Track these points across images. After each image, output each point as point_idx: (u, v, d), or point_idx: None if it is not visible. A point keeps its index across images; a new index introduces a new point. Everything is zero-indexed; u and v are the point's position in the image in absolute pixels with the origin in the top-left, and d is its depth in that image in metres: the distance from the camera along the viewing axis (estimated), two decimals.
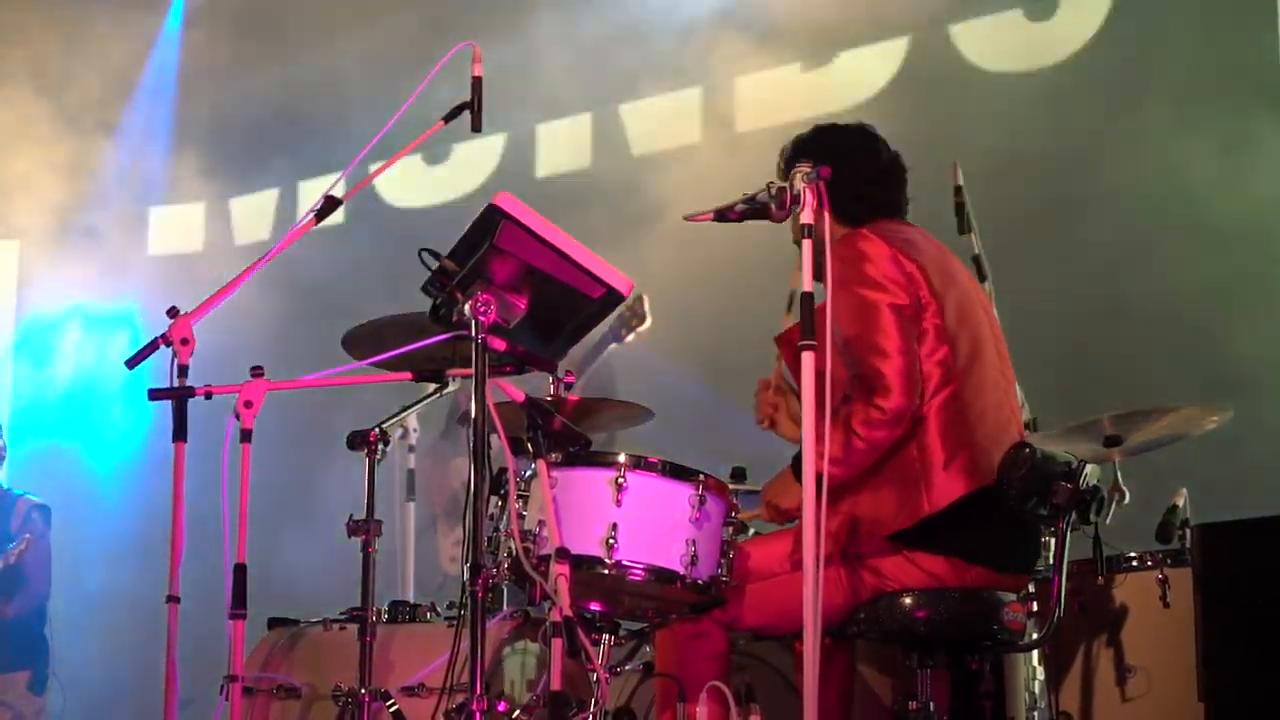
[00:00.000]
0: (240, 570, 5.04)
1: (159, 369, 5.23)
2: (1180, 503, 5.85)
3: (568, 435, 5.07)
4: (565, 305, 5.13)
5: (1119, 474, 6.03)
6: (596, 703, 4.87)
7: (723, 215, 5.04)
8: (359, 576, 5.60)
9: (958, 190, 6.45)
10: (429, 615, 6.07)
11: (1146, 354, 8.60)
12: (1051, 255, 9.04)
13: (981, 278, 6.26)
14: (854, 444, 5.05)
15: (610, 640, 5.14)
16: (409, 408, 6.02)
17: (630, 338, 8.09)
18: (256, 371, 5.20)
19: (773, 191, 4.86)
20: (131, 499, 11.27)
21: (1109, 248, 8.82)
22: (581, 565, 4.87)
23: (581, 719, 4.87)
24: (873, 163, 5.52)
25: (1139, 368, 8.54)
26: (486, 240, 4.93)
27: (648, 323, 8.10)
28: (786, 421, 5.54)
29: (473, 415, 4.85)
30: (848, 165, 5.28)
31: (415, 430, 8.42)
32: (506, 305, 5.00)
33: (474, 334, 4.88)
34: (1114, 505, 5.99)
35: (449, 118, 5.47)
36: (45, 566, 10.11)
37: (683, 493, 5.02)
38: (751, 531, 6.05)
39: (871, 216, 5.42)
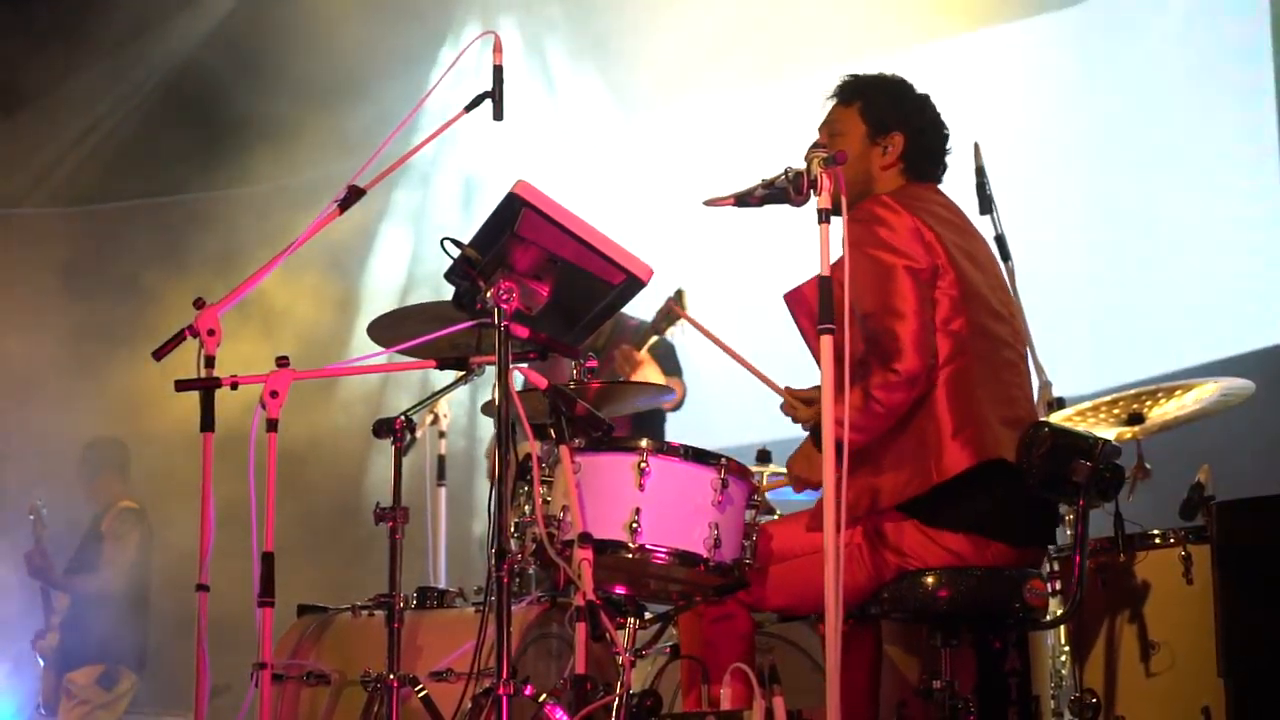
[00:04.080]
0: (268, 559, 5.09)
1: None
2: (1204, 479, 5.85)
3: (591, 421, 5.11)
4: (587, 292, 5.17)
5: (1141, 451, 6.05)
6: (622, 685, 4.91)
7: (743, 201, 5.10)
8: None
9: (979, 171, 6.46)
10: (456, 600, 6.11)
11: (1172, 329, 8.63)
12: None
13: (1004, 257, 6.27)
14: (873, 409, 5.06)
15: (635, 623, 5.17)
16: (435, 395, 6.06)
17: (671, 330, 8.14)
18: (282, 361, 5.25)
19: (790, 176, 4.90)
20: None
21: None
22: (605, 549, 4.92)
23: (607, 702, 4.90)
24: (945, 132, 5.63)
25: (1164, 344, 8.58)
26: (507, 228, 4.97)
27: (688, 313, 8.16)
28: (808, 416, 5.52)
29: (497, 403, 4.89)
30: (936, 127, 5.58)
31: (446, 416, 8.45)
32: (529, 293, 5.03)
33: (497, 321, 4.92)
34: (1138, 482, 6.01)
35: (470, 106, 5.50)
36: (119, 563, 10.26)
37: (705, 476, 5.05)
38: (776, 513, 6.08)
39: (926, 178, 5.53)
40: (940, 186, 5.60)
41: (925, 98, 5.62)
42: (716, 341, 6.06)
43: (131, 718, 10.39)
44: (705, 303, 8.34)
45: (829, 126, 5.55)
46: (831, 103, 5.60)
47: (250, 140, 12.01)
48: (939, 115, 5.61)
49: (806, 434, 5.39)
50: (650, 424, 8.39)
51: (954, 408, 5.16)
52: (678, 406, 8.59)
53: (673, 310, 8.07)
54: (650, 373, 8.24)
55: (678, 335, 8.31)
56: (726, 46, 10.64)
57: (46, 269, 11.99)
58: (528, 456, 5.11)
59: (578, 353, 5.37)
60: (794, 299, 5.30)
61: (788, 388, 5.48)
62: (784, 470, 6.64)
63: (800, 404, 5.42)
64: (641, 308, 8.14)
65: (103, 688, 10.14)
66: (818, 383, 5.06)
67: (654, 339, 8.23)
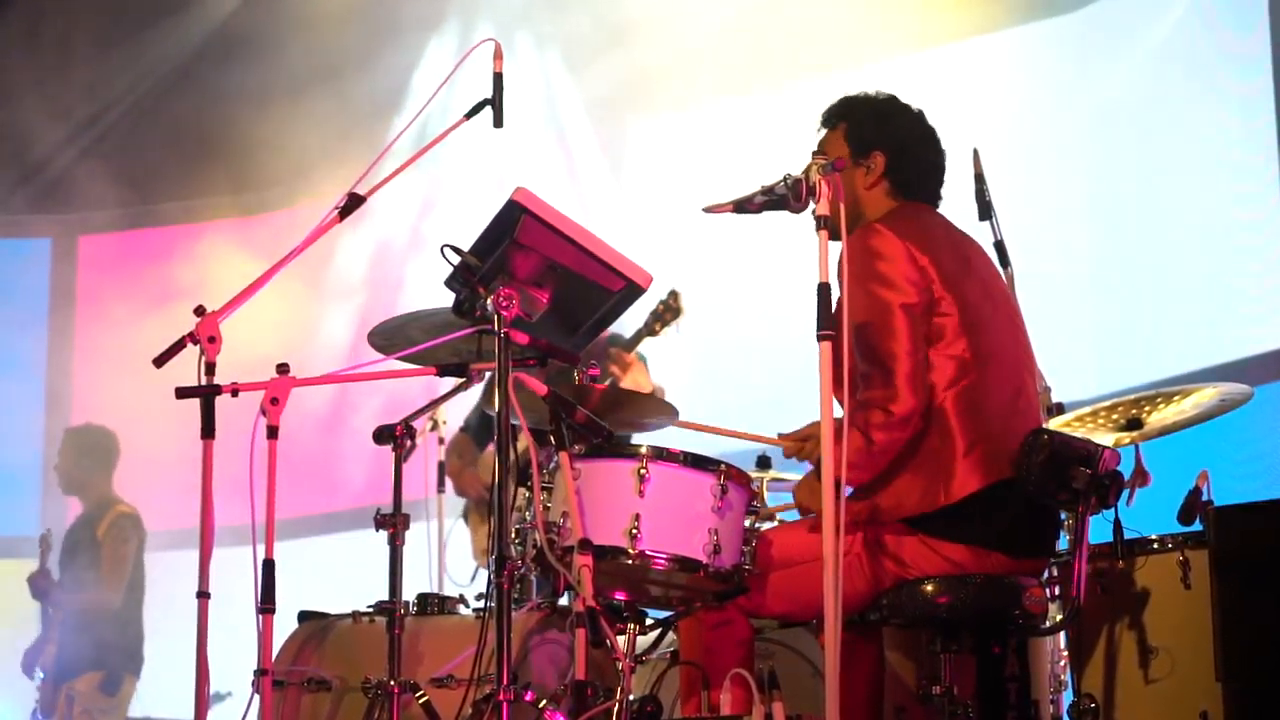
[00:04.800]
0: (269, 566, 5.11)
1: None
2: (1202, 484, 5.86)
3: (590, 427, 5.13)
4: (586, 298, 5.19)
5: (1141, 457, 6.05)
6: (622, 691, 4.92)
7: (741, 207, 5.12)
8: None
9: (978, 178, 6.47)
10: (458, 607, 6.12)
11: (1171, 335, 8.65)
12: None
13: (1003, 263, 6.28)
14: (871, 450, 5.09)
15: (635, 629, 5.18)
16: (436, 402, 6.07)
17: (665, 330, 8.15)
18: (282, 368, 5.27)
19: (789, 183, 4.92)
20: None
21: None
22: (605, 556, 4.92)
23: (607, 708, 4.91)
24: (936, 146, 5.62)
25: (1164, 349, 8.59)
26: (507, 235, 4.99)
27: (683, 315, 8.17)
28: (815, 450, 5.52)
29: (496, 409, 4.91)
30: (924, 143, 5.56)
31: (446, 423, 8.46)
32: (529, 299, 5.05)
33: (497, 328, 4.94)
34: (1137, 488, 6.01)
35: (471, 114, 5.52)
36: (119, 572, 10.23)
37: (705, 482, 5.06)
38: (778, 519, 6.09)
39: (920, 198, 5.53)
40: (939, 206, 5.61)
41: (918, 115, 5.60)
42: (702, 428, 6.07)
43: None
44: (698, 309, 8.38)
45: (819, 155, 5.52)
46: (823, 131, 5.60)
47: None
48: (931, 131, 5.59)
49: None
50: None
51: (964, 425, 5.18)
52: None
53: (668, 311, 8.10)
54: (639, 375, 8.25)
55: (671, 337, 8.31)
56: (719, 53, 10.66)
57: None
58: (527, 464, 5.13)
59: (578, 359, 5.38)
60: None
61: (781, 435, 5.48)
62: (784, 477, 6.69)
63: (800, 443, 5.42)
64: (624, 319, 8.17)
65: (106, 694, 10.13)
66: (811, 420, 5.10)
67: (646, 339, 8.23)
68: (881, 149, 5.47)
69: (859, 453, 5.05)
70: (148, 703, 10.59)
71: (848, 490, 4.92)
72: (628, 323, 8.15)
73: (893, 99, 5.60)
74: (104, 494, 10.52)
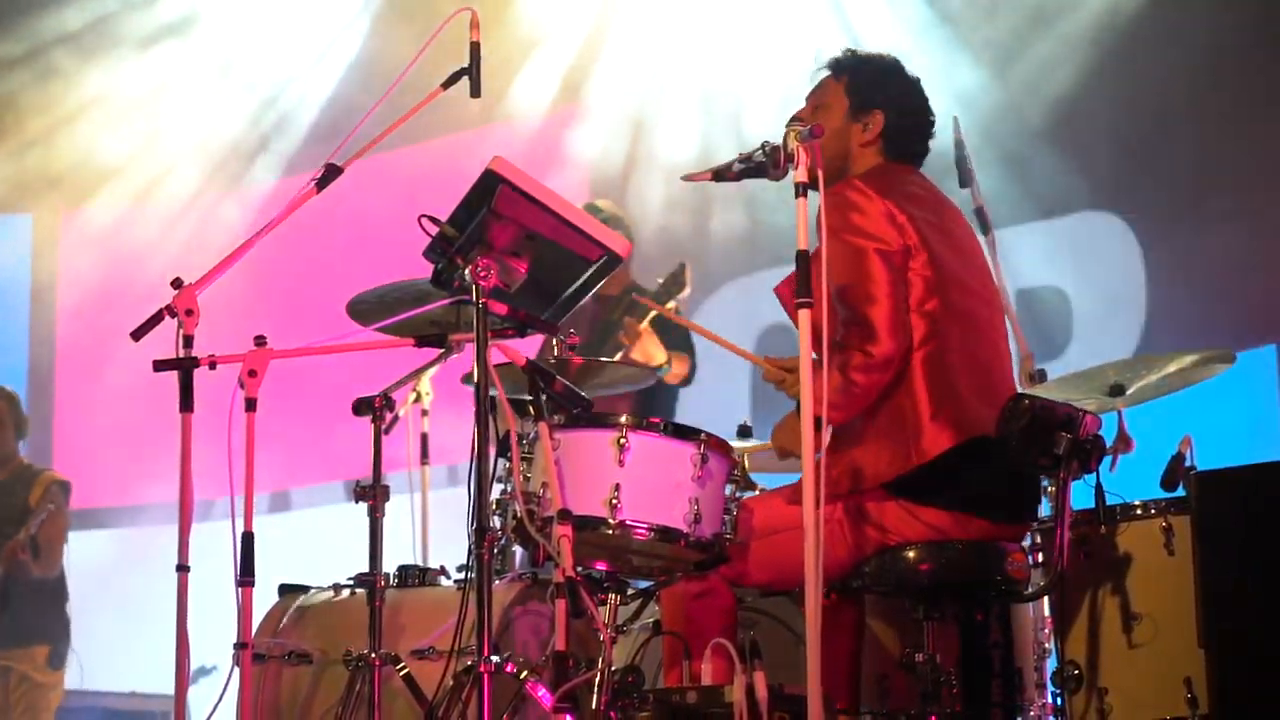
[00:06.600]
0: (247, 539, 5.10)
1: None
2: (1185, 450, 5.85)
3: (570, 397, 5.11)
4: (564, 268, 5.17)
5: (1124, 422, 6.04)
6: (603, 662, 4.91)
7: (720, 175, 5.16)
8: None
9: (958, 144, 6.46)
10: (439, 579, 6.10)
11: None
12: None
13: (984, 230, 6.28)
14: (851, 390, 5.09)
15: (616, 600, 5.16)
16: (415, 373, 6.05)
17: (671, 304, 8.16)
18: (260, 340, 5.24)
19: (767, 151, 4.92)
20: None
21: None
22: (585, 526, 4.91)
23: (589, 678, 4.90)
24: (930, 116, 5.66)
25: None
26: (484, 205, 4.96)
27: (687, 289, 8.19)
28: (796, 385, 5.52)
29: (475, 379, 4.89)
30: (921, 110, 5.61)
31: (429, 394, 8.43)
32: (507, 269, 5.03)
33: (475, 299, 4.92)
34: (1119, 454, 6.00)
35: (447, 84, 5.49)
36: (59, 543, 10.18)
37: (685, 452, 5.04)
38: (759, 489, 6.08)
39: (905, 160, 5.55)
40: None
41: (915, 81, 5.65)
42: (695, 328, 6.07)
43: (108, 697, 10.38)
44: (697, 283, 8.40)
45: (815, 97, 5.58)
46: (823, 74, 5.61)
47: None
48: (926, 100, 5.64)
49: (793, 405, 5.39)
50: (658, 400, 8.42)
51: (931, 388, 5.19)
52: (687, 381, 8.63)
53: (674, 284, 8.10)
54: (650, 345, 8.26)
55: (680, 308, 8.33)
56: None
57: None
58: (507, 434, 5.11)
59: (556, 329, 5.35)
60: (782, 291, 5.32)
61: (767, 358, 5.48)
62: (765, 446, 6.67)
63: (783, 371, 5.42)
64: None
65: (53, 668, 10.10)
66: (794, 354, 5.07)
67: (653, 313, 8.24)
68: (882, 109, 5.49)
69: (837, 392, 5.01)
70: (130, 678, 10.57)
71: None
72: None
73: (897, 62, 5.64)
74: (19, 458, 10.43)
